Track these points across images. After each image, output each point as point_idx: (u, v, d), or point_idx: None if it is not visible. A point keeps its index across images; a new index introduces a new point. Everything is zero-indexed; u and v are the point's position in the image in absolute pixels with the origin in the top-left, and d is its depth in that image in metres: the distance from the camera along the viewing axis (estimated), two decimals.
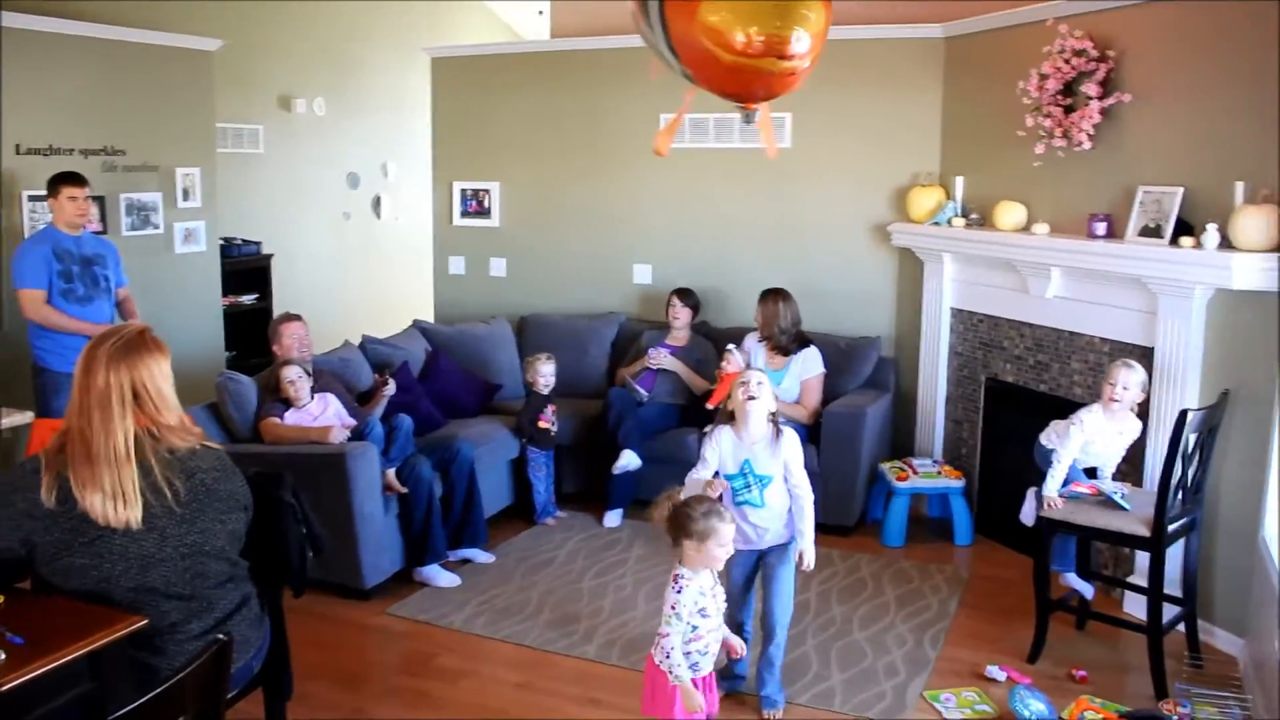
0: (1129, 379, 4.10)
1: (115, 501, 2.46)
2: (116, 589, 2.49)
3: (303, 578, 2.92)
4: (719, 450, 3.74)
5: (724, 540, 3.09)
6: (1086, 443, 4.15)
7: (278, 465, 4.42)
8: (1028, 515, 4.31)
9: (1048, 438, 4.33)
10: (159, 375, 2.56)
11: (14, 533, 2.47)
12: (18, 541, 2.48)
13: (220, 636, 2.08)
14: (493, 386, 6.10)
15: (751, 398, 3.67)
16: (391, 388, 5.19)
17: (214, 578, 2.61)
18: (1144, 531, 3.85)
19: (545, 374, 5.63)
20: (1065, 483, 4.14)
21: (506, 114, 6.91)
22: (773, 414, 3.73)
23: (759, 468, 3.69)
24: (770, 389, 3.73)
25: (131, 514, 2.47)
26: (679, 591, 3.08)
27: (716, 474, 3.74)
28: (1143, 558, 4.42)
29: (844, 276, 6.15)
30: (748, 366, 5.64)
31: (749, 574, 3.85)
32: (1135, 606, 4.50)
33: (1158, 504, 3.81)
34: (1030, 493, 4.29)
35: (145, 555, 2.50)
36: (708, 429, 3.86)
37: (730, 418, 3.76)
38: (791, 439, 3.75)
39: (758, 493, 3.70)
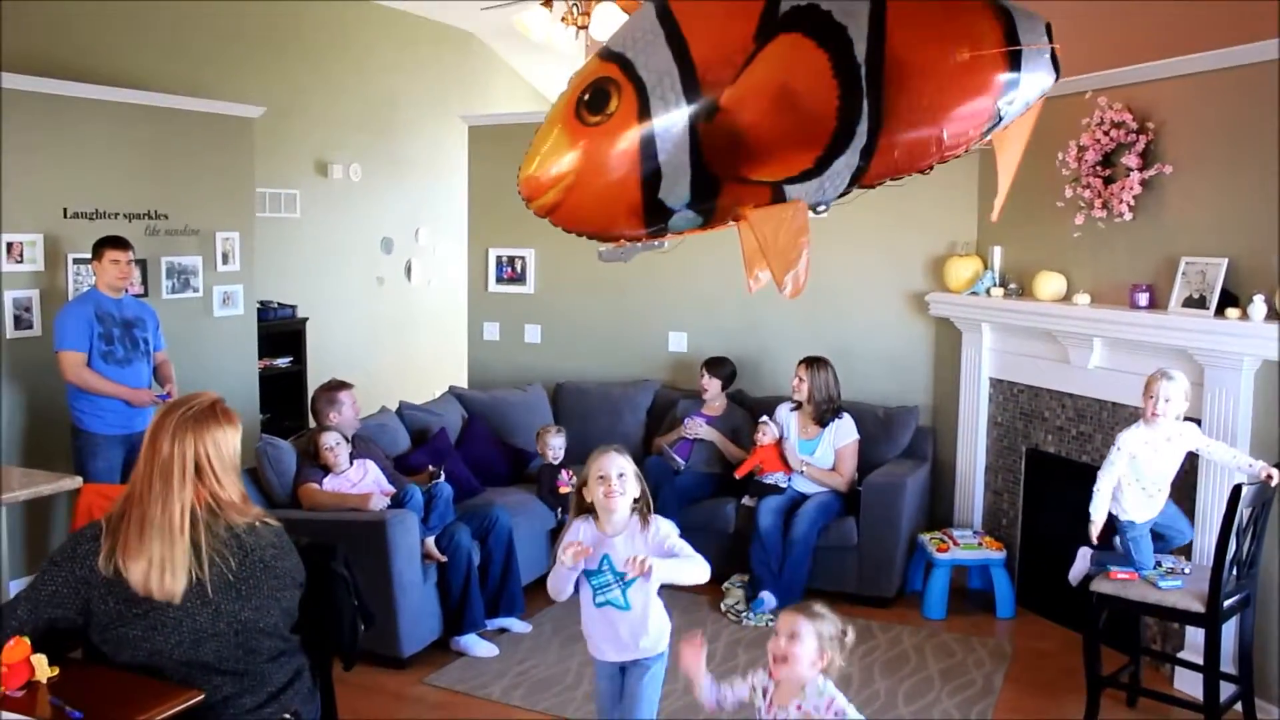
0: (1169, 390, 3.94)
1: (160, 573, 2.44)
2: (168, 662, 2.46)
3: (354, 651, 2.89)
4: (575, 536, 3.20)
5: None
6: (1136, 461, 4.01)
7: (318, 532, 4.44)
8: (1076, 575, 4.25)
9: (1084, 558, 4.28)
10: (225, 448, 2.55)
11: (73, 600, 2.46)
12: (75, 610, 2.47)
13: (287, 717, 2.05)
14: (527, 454, 6.08)
15: (612, 496, 3.11)
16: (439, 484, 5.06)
17: (266, 653, 2.58)
18: (1199, 608, 3.79)
19: (554, 446, 5.64)
20: (1107, 563, 4.09)
21: None
22: (637, 502, 3.17)
23: (620, 564, 3.11)
24: (636, 480, 3.17)
25: (175, 587, 2.44)
26: None
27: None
28: (1193, 633, 4.34)
29: (880, 345, 6.14)
30: (780, 438, 5.62)
31: (619, 685, 3.31)
32: (1185, 683, 4.42)
33: (1212, 580, 3.75)
34: (1081, 552, 4.23)
35: (198, 630, 2.47)
36: (565, 521, 3.31)
37: (586, 509, 3.22)
38: (665, 524, 3.20)
39: (620, 593, 3.14)
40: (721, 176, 2.08)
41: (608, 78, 2.01)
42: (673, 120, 2.00)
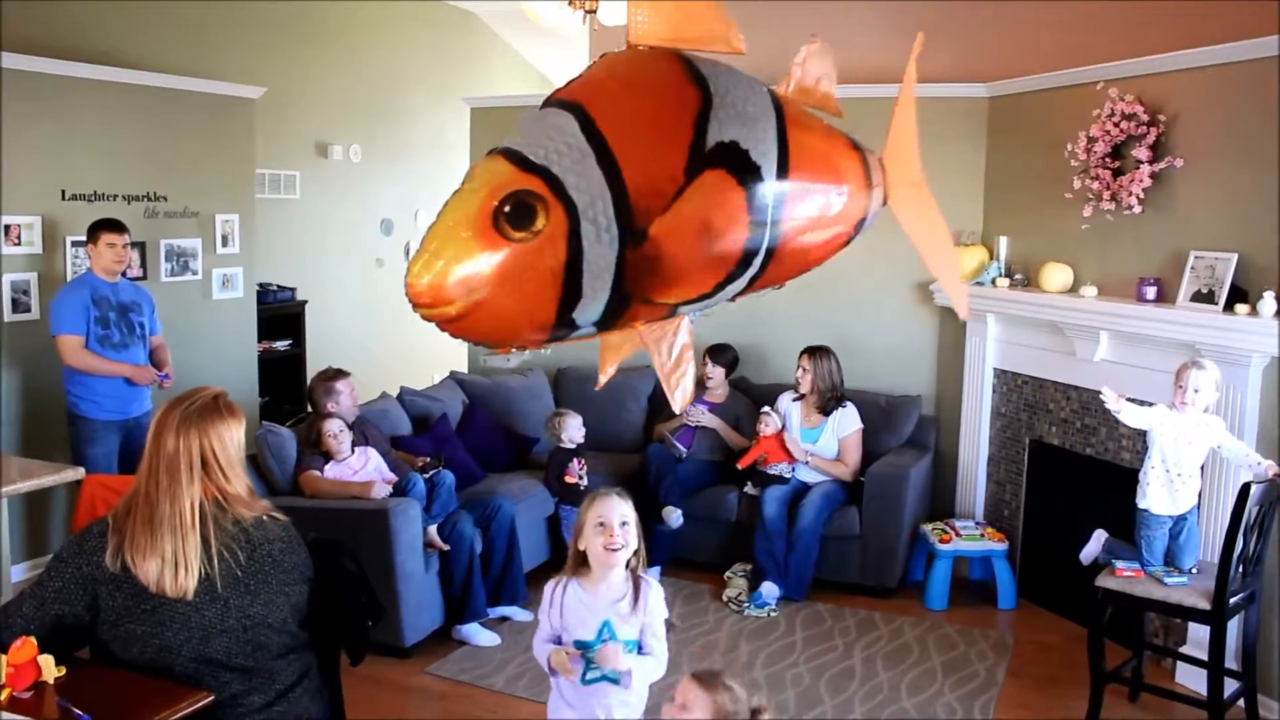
0: (1200, 380, 3.89)
1: (174, 570, 2.42)
2: (177, 659, 2.44)
3: (363, 646, 2.86)
4: (559, 611, 2.86)
5: None
6: (1160, 442, 3.97)
7: (320, 520, 4.42)
8: (1087, 555, 4.25)
9: (1098, 540, 4.27)
10: (229, 443, 2.53)
11: (80, 596, 2.44)
12: (83, 606, 2.45)
13: None
14: (529, 440, 6.05)
15: (613, 548, 2.78)
16: (441, 472, 4.99)
17: (275, 649, 2.56)
18: (1204, 605, 3.78)
19: (570, 428, 5.54)
20: (1117, 553, 4.09)
21: None
22: (632, 561, 2.87)
23: (622, 632, 2.80)
24: (637, 531, 2.86)
25: (188, 583, 2.43)
26: None
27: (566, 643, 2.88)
28: (1195, 628, 4.34)
29: (883, 334, 6.11)
30: (782, 429, 5.60)
31: None
32: (1187, 677, 4.42)
33: (1218, 578, 3.73)
34: (1096, 534, 4.22)
35: (207, 626, 2.46)
36: (550, 583, 2.97)
37: (579, 565, 2.87)
38: (657, 592, 2.90)
39: None
40: (633, 298, 2.07)
41: (532, 192, 1.88)
42: (602, 245, 1.94)
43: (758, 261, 2.21)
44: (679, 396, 2.37)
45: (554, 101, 2.04)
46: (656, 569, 5.57)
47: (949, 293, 3.02)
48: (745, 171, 2.10)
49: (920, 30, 2.81)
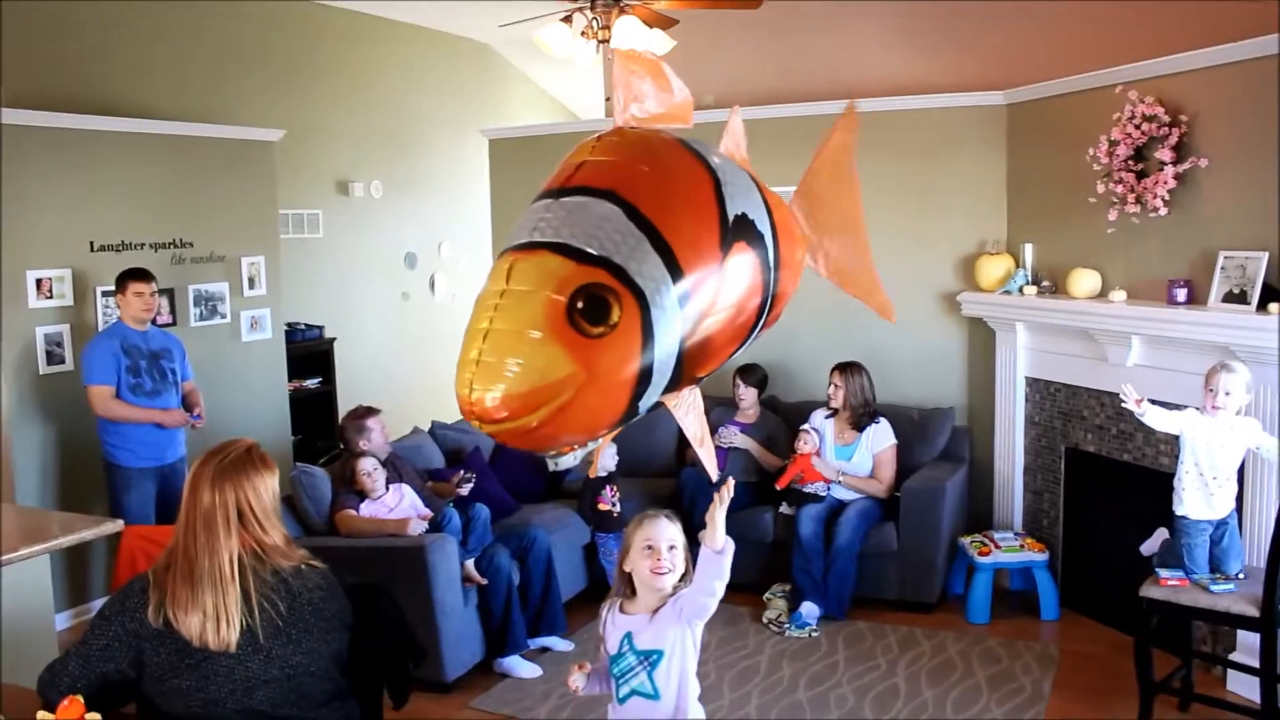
0: (1230, 383, 3.85)
1: (215, 623, 2.42)
2: (222, 712, 2.45)
3: (405, 688, 2.86)
4: (603, 633, 2.84)
5: None
6: (1194, 448, 3.93)
7: (357, 559, 4.45)
8: (1146, 548, 4.26)
9: (1158, 537, 4.23)
10: (264, 494, 2.54)
11: (125, 653, 2.45)
12: (127, 663, 2.46)
13: None
14: (561, 470, 6.05)
15: (660, 572, 2.71)
16: (465, 491, 5.08)
17: (318, 698, 2.56)
18: (1253, 612, 3.72)
19: (603, 456, 5.49)
20: (1168, 558, 4.04)
21: None
22: (679, 586, 2.76)
23: (642, 640, 2.73)
24: (685, 555, 2.76)
25: (230, 636, 2.44)
26: None
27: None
28: (1245, 634, 4.28)
29: (912, 347, 6.07)
30: (817, 453, 5.56)
31: None
32: (1239, 685, 4.36)
33: (1266, 583, 3.68)
34: (1159, 531, 4.22)
35: (250, 677, 2.46)
36: (602, 606, 2.91)
37: (626, 588, 2.81)
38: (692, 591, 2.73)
39: (646, 677, 2.72)
40: (684, 378, 2.05)
41: (602, 284, 1.80)
42: (671, 329, 1.90)
43: (762, 323, 2.26)
44: (714, 465, 2.48)
45: (578, 189, 1.95)
46: None
47: (875, 307, 3.03)
48: (760, 243, 2.15)
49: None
